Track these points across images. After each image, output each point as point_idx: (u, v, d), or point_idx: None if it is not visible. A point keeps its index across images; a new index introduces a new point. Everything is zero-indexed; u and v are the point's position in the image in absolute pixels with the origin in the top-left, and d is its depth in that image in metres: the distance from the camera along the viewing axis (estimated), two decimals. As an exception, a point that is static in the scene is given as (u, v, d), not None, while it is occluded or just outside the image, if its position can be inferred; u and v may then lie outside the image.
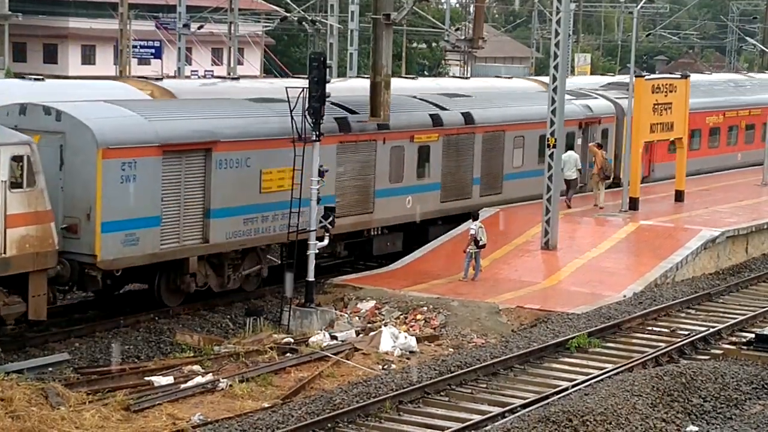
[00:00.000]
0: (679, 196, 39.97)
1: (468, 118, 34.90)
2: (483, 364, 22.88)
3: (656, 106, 38.03)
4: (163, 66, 67.71)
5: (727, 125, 49.48)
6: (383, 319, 27.46)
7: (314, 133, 27.38)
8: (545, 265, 31.60)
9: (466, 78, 48.44)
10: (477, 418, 20.01)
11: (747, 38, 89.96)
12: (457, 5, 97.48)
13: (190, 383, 22.17)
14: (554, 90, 32.66)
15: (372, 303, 28.37)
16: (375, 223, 32.07)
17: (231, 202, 27.36)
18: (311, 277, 27.52)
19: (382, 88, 30.04)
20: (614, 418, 19.43)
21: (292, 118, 27.72)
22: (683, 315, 28.03)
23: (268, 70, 69.73)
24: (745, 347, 24.58)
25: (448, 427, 19.65)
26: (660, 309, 27.76)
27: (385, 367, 23.88)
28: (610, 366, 23.10)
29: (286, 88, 27.87)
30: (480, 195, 35.61)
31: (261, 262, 29.04)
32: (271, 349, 24.54)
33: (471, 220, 30.92)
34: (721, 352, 24.57)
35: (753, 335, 25.18)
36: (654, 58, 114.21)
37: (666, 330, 26.39)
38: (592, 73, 75.66)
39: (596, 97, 42.16)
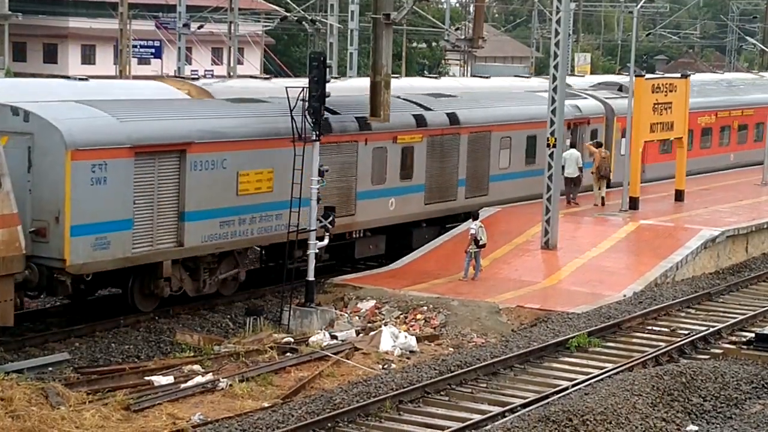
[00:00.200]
0: (679, 196, 39.98)
1: (453, 118, 34.34)
2: (483, 363, 22.88)
3: (656, 106, 38.02)
4: (163, 66, 67.72)
5: (719, 125, 49.16)
6: (383, 319, 27.47)
7: (314, 132, 27.39)
8: (545, 264, 31.61)
9: (486, 77, 47.53)
10: (477, 417, 20.01)
11: (747, 38, 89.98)
12: (457, 5, 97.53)
13: (190, 383, 22.17)
14: (554, 90, 32.68)
15: (372, 302, 28.37)
16: (357, 226, 31.61)
17: (206, 204, 26.80)
18: (311, 277, 27.52)
19: (382, 87, 30.01)
20: (614, 417, 19.43)
21: (292, 117, 27.74)
22: (683, 314, 28.03)
23: (268, 70, 69.70)
24: (745, 347, 24.57)
25: (449, 427, 19.65)
26: (660, 308, 27.76)
27: (386, 366, 23.88)
28: (610, 365, 23.10)
29: (287, 88, 27.88)
30: (465, 197, 35.06)
31: (238, 266, 28.46)
32: (271, 349, 24.54)
33: (471, 220, 30.91)
34: (721, 351, 24.57)
35: (753, 335, 25.17)
36: (654, 57, 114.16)
37: (666, 329, 26.39)
38: (592, 73, 75.62)
39: (585, 97, 41.62)
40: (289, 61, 78.34)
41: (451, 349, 25.33)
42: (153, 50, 69.14)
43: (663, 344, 24.81)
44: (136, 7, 68.44)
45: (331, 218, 27.92)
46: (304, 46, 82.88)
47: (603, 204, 37.82)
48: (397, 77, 42.98)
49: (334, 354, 24.21)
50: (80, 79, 31.31)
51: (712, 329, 26.00)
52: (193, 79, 35.73)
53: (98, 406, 20.39)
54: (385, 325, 26.56)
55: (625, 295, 29.04)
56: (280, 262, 29.02)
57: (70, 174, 24.06)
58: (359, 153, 31.03)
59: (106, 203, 24.66)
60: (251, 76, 41.69)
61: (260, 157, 27.96)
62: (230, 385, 21.96)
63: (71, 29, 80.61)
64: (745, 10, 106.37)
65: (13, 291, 23.15)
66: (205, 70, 70.00)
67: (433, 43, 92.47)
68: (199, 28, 59.27)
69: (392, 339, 25.16)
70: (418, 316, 27.47)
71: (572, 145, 38.57)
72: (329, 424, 19.47)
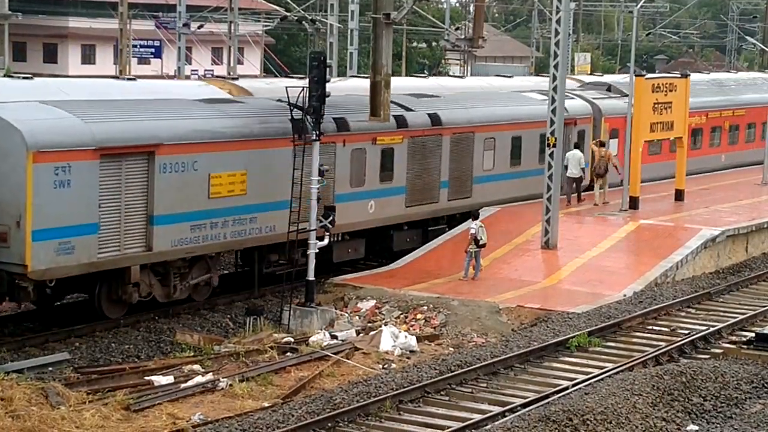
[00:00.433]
0: (679, 196, 39.98)
1: (435, 119, 33.57)
2: (483, 363, 22.88)
3: (656, 106, 38.03)
4: (163, 66, 67.74)
5: (709, 126, 48.73)
6: (383, 319, 27.47)
7: (314, 132, 27.38)
8: (545, 264, 31.60)
9: (509, 77, 46.88)
10: (477, 417, 20.00)
11: (747, 37, 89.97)
12: (457, 4, 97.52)
13: (190, 383, 22.17)
14: (554, 90, 32.70)
15: (372, 302, 28.37)
16: (335, 230, 29.74)
17: (176, 208, 26.04)
18: (311, 277, 27.52)
19: (382, 87, 30.01)
20: (614, 417, 19.42)
21: (292, 117, 27.73)
22: (683, 314, 28.02)
23: (268, 70, 69.73)
24: (745, 346, 24.57)
25: (449, 427, 19.65)
26: (660, 308, 27.76)
27: (386, 366, 23.88)
28: (610, 365, 23.09)
29: (287, 87, 27.87)
30: (448, 199, 34.39)
31: (211, 271, 27.81)
32: (272, 349, 24.55)
33: (471, 220, 30.90)
34: (721, 351, 24.56)
35: (753, 334, 25.16)
36: (654, 57, 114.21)
37: (666, 329, 26.38)
38: (591, 72, 75.62)
39: (573, 98, 40.39)
40: (289, 60, 78.37)
41: (452, 349, 25.33)
42: (153, 50, 69.17)
43: (663, 344, 24.80)
44: (136, 7, 68.47)
45: (331, 218, 27.90)
46: (304, 46, 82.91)
47: (603, 203, 37.86)
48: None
49: (334, 354, 24.21)
50: (128, 79, 31.48)
51: (712, 329, 25.99)
52: (233, 79, 35.69)
53: (98, 406, 20.39)
54: (386, 324, 26.56)
55: (625, 295, 29.03)
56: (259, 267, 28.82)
57: (32, 177, 23.30)
58: (337, 154, 30.15)
59: (69, 207, 23.85)
60: (288, 77, 41.57)
61: (233, 159, 27.26)
62: (230, 385, 21.96)
63: (71, 29, 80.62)
64: (745, 10, 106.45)
65: None
66: (205, 70, 69.98)
67: (433, 43, 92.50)
68: (199, 27, 59.31)
69: (392, 339, 25.16)
70: (419, 316, 27.47)
71: (576, 146, 38.58)
72: (329, 424, 19.47)
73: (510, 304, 27.73)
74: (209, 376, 22.53)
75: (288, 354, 24.48)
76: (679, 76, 41.13)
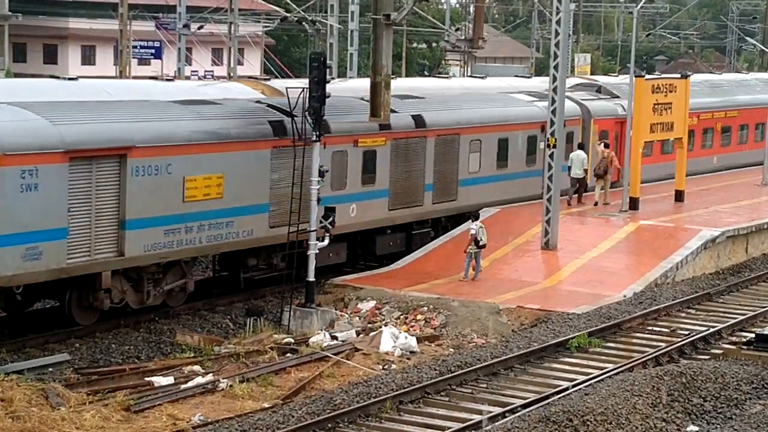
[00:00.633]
0: (679, 196, 39.99)
1: (419, 120, 32.93)
2: (483, 364, 22.88)
3: (656, 106, 38.03)
4: (163, 66, 67.76)
5: (701, 128, 48.21)
6: (383, 319, 27.47)
7: (314, 133, 27.39)
8: (545, 265, 31.61)
9: (528, 76, 46.09)
10: (477, 418, 20.01)
11: (747, 38, 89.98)
12: (457, 5, 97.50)
13: (190, 383, 22.18)
14: (554, 90, 32.71)
15: (372, 303, 28.37)
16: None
17: (149, 212, 25.37)
18: (311, 277, 27.52)
19: (383, 88, 30.00)
20: (614, 418, 19.43)
21: (292, 118, 27.70)
22: (683, 315, 28.03)
23: (268, 71, 69.76)
24: (745, 347, 24.58)
25: (449, 427, 19.65)
26: (660, 309, 27.76)
27: (386, 367, 23.88)
28: (610, 366, 23.10)
29: (287, 88, 27.86)
30: (433, 202, 33.72)
31: (186, 276, 27.16)
32: (272, 350, 24.55)
33: (471, 220, 30.90)
34: (721, 351, 24.57)
35: (753, 335, 25.18)
36: (654, 58, 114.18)
37: (666, 330, 26.39)
38: (592, 73, 75.64)
39: None
40: (290, 61, 78.38)
41: (452, 350, 25.34)
42: (153, 51, 69.16)
43: (663, 344, 24.81)
44: (136, 8, 68.55)
45: (331, 219, 27.89)
46: (304, 47, 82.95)
47: (604, 203, 37.87)
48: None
49: (335, 354, 24.21)
50: (167, 79, 31.47)
51: (712, 329, 26.00)
52: (265, 79, 35.64)
53: (98, 407, 20.39)
54: (386, 325, 26.57)
55: (625, 296, 29.04)
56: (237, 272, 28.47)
57: None
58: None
59: (37, 211, 23.19)
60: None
61: (209, 162, 26.64)
62: (230, 386, 21.96)
63: (71, 30, 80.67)
64: (744, 11, 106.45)
65: None
66: (205, 71, 70.08)
67: (433, 44, 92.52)
68: (199, 28, 59.31)
69: (392, 339, 25.17)
70: (419, 317, 27.47)
71: (580, 147, 38.58)
72: (329, 425, 19.47)
73: (510, 304, 27.74)
74: (209, 377, 22.54)
75: (288, 355, 24.49)
76: (679, 76, 41.10)
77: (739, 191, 43.24)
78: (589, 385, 21.48)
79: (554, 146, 32.63)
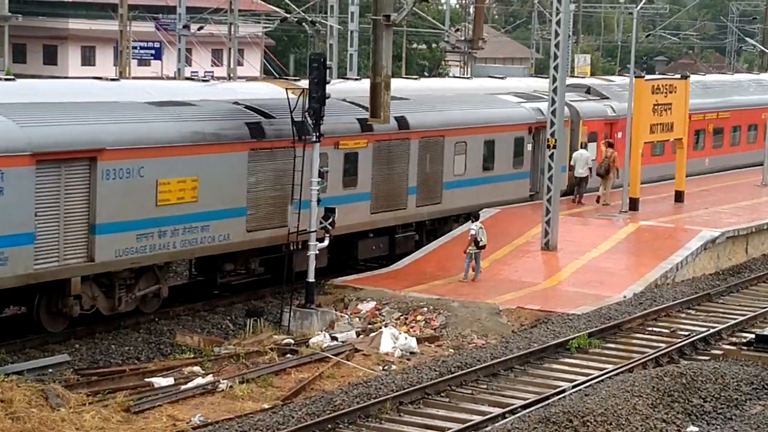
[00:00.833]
0: (679, 197, 39.99)
1: (402, 122, 32.17)
2: (483, 364, 22.88)
3: (656, 107, 38.03)
4: (163, 67, 67.80)
5: (692, 129, 47.97)
6: (383, 320, 27.48)
7: (314, 134, 27.40)
8: (545, 265, 31.61)
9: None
10: (477, 418, 20.01)
11: (747, 39, 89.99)
12: (457, 6, 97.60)
13: (190, 384, 22.17)
14: (554, 91, 32.72)
15: (372, 304, 28.37)
16: (293, 238, 28.72)
17: (121, 216, 24.69)
18: (311, 278, 27.52)
19: (382, 89, 30.00)
20: (614, 418, 19.42)
21: (292, 119, 27.70)
22: (683, 315, 28.04)
23: (268, 72, 69.78)
24: (745, 348, 24.58)
25: (449, 428, 19.65)
26: (660, 309, 27.77)
27: (386, 368, 23.89)
28: (610, 366, 23.10)
29: (288, 90, 27.86)
30: (417, 205, 33.07)
31: (160, 282, 26.51)
32: (272, 350, 24.55)
33: (471, 221, 30.91)
34: (721, 352, 24.58)
35: (753, 336, 25.18)
36: (654, 58, 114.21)
37: (666, 330, 26.39)
38: (592, 74, 75.66)
39: None
40: (289, 62, 78.41)
41: (452, 351, 25.33)
42: (153, 51, 69.25)
43: (663, 345, 24.81)
44: (136, 9, 68.57)
45: (331, 219, 27.89)
46: (304, 48, 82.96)
47: (604, 204, 37.90)
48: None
49: (335, 355, 24.21)
50: (203, 80, 31.49)
51: (712, 330, 26.00)
52: (296, 79, 35.58)
53: (98, 408, 20.40)
54: (386, 326, 26.57)
55: (625, 296, 29.04)
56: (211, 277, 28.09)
57: None
58: (297, 160, 28.59)
59: (2, 216, 22.57)
60: (356, 79, 41.10)
61: (183, 165, 26.01)
62: (230, 387, 21.97)
63: (71, 30, 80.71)
64: (744, 11, 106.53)
65: None
66: (205, 72, 70.06)
67: (433, 45, 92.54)
68: (199, 29, 59.32)
69: (392, 340, 25.17)
70: (419, 318, 27.47)
71: (583, 146, 38.59)
72: (329, 426, 19.47)
73: (510, 305, 27.74)
74: (209, 378, 22.54)
75: (288, 355, 24.49)
76: (679, 77, 41.08)
77: (739, 192, 43.24)
78: (589, 385, 21.48)
79: (554, 146, 32.63)
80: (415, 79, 45.18)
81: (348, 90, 35.10)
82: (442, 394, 21.55)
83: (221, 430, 19.32)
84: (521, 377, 22.83)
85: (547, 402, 20.52)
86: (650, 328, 26.52)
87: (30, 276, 23.39)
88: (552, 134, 32.69)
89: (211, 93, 29.72)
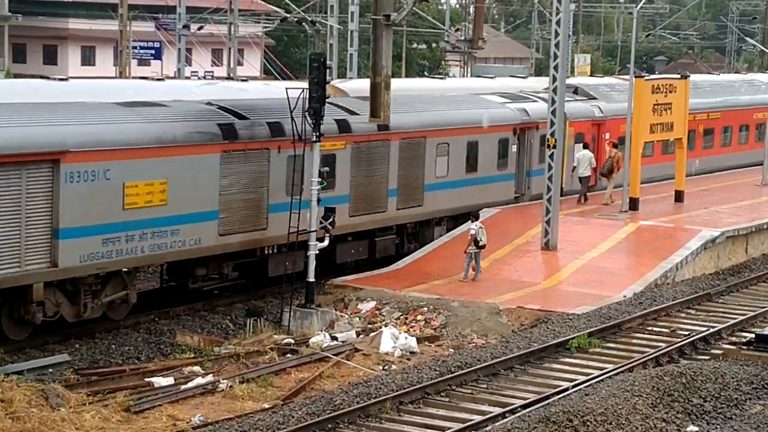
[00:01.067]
0: (678, 197, 40.01)
1: (381, 123, 30.87)
2: (483, 364, 22.88)
3: (656, 107, 38.04)
4: (163, 67, 67.79)
5: None
6: (383, 320, 27.47)
7: (314, 134, 27.39)
8: (545, 265, 31.62)
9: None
10: (477, 418, 20.01)
11: (747, 38, 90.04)
12: (457, 6, 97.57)
13: (190, 384, 22.17)
14: (554, 91, 32.73)
15: (372, 303, 28.38)
16: (269, 241, 28.34)
17: (86, 220, 23.92)
18: (311, 278, 27.52)
19: (382, 89, 29.99)
20: (614, 418, 19.43)
21: (292, 119, 27.69)
22: (683, 315, 28.04)
23: (268, 72, 69.81)
24: (745, 347, 24.58)
25: (449, 428, 19.66)
26: (660, 309, 27.77)
27: (386, 367, 23.89)
28: (610, 366, 23.10)
29: (287, 89, 27.83)
30: (397, 207, 32.32)
31: (127, 287, 25.74)
32: (272, 350, 24.54)
33: (471, 221, 30.91)
34: (721, 352, 24.58)
35: (753, 335, 25.19)
36: (654, 58, 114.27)
37: (666, 330, 26.40)
38: (592, 74, 75.66)
39: (536, 101, 38.70)
40: (289, 62, 78.43)
41: (452, 350, 25.34)
42: (153, 51, 69.27)
43: (663, 345, 24.82)
44: (136, 9, 68.60)
45: (331, 219, 27.88)
46: (304, 48, 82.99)
47: (604, 204, 37.97)
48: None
49: (335, 355, 24.21)
50: (242, 80, 31.39)
51: (712, 330, 26.01)
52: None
53: (98, 408, 20.40)
54: (386, 326, 26.57)
55: (625, 296, 29.04)
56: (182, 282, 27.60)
57: None
58: (271, 161, 28.02)
59: None
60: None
61: (151, 167, 25.21)
62: (230, 387, 21.96)
63: (71, 30, 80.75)
64: (744, 11, 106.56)
65: None
66: (205, 72, 70.12)
67: (433, 44, 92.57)
68: (199, 29, 59.39)
69: (392, 340, 25.17)
70: (419, 317, 27.47)
71: (585, 146, 38.64)
72: (329, 425, 19.47)
73: (510, 305, 27.74)
74: (209, 378, 22.54)
75: (288, 355, 24.49)
76: (679, 77, 41.08)
77: (739, 191, 43.25)
78: (589, 385, 21.49)
79: (554, 146, 32.64)
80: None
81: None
82: (442, 394, 21.55)
83: (221, 430, 19.32)
84: (521, 377, 22.83)
85: (547, 402, 20.52)
86: (650, 328, 26.53)
87: None
88: (552, 134, 32.70)
89: (229, 95, 29.60)
